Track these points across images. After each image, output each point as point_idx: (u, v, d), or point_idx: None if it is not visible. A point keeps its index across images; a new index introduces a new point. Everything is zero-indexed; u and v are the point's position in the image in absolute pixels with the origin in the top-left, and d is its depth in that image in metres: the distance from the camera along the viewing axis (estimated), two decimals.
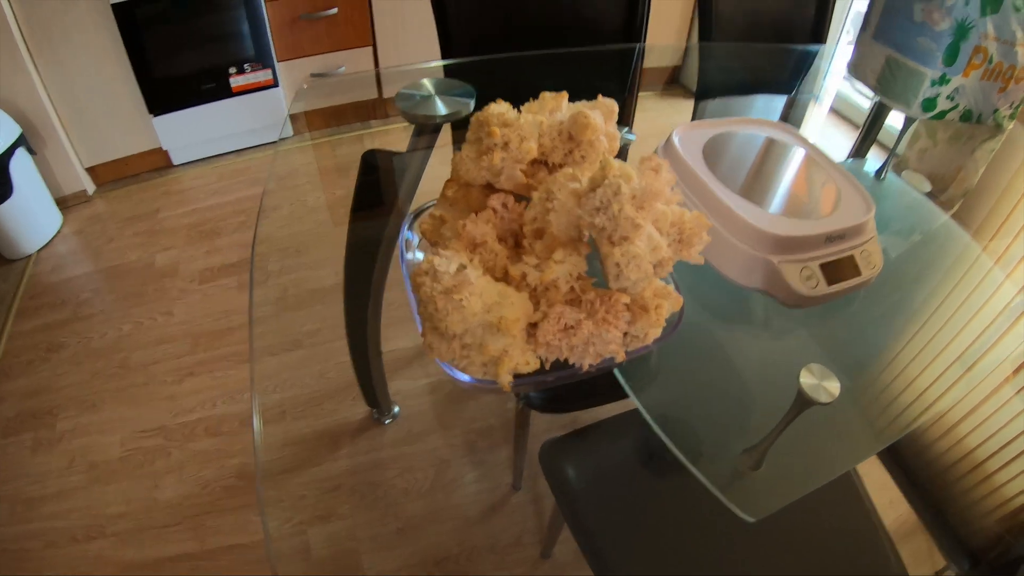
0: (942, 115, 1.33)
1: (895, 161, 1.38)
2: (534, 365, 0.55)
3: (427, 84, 1.08)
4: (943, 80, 1.25)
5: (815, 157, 0.93)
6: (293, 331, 1.73)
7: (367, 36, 2.18)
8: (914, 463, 0.91)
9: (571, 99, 0.69)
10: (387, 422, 1.48)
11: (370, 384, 1.44)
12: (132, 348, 1.69)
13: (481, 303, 0.52)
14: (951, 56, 1.20)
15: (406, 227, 0.73)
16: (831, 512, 0.87)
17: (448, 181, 0.67)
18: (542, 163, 0.64)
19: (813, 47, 1.64)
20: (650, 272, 0.54)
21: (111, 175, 2.17)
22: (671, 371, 0.79)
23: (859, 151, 1.46)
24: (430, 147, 1.11)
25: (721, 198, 0.78)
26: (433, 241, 0.67)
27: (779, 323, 0.89)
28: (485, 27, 1.29)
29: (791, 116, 1.50)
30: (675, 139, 0.86)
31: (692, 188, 0.82)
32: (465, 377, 0.55)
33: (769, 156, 0.92)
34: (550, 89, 0.67)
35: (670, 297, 0.60)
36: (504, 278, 0.58)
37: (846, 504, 0.88)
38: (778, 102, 1.54)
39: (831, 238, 0.80)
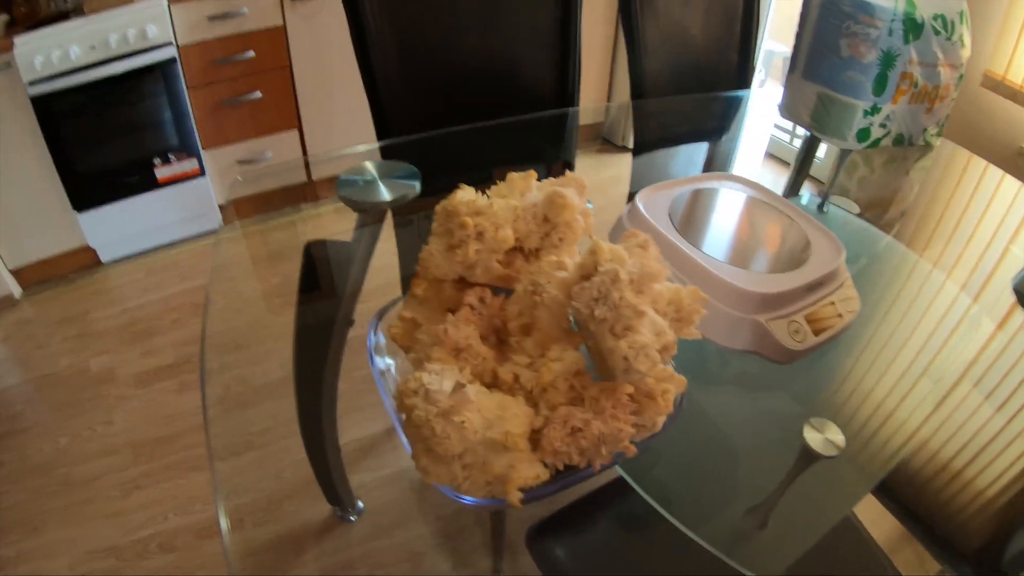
0: (877, 143, 1.36)
1: (833, 191, 1.40)
2: (544, 477, 0.49)
3: (369, 168, 1.04)
4: (875, 110, 1.28)
5: (777, 206, 0.92)
6: (242, 432, 1.63)
7: (293, 119, 2.13)
8: (895, 479, 0.89)
9: (513, 167, 0.65)
10: (352, 519, 1.39)
11: (330, 481, 1.36)
12: (73, 462, 1.57)
13: (481, 419, 0.46)
14: (880, 86, 1.23)
15: (373, 330, 0.67)
16: (834, 554, 0.83)
17: (415, 279, 0.62)
18: (518, 250, 0.60)
19: (741, 92, 1.68)
20: (658, 360, 0.50)
21: (37, 276, 2.04)
22: (661, 440, 0.75)
23: (793, 187, 1.49)
24: (375, 235, 1.06)
25: (699, 262, 0.75)
26: (405, 346, 0.61)
27: (759, 379, 0.86)
28: (420, 105, 1.27)
29: (726, 161, 1.52)
30: (640, 205, 0.83)
31: (666, 254, 0.78)
32: (468, 499, 0.50)
33: (734, 211, 0.91)
34: (490, 161, 0.63)
35: (674, 380, 0.56)
36: (494, 382, 0.53)
37: (847, 544, 0.85)
38: (712, 148, 1.56)
39: (811, 288, 0.78)
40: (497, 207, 0.56)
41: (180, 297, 1.96)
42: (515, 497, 0.48)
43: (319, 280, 1.11)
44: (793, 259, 0.82)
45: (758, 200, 0.92)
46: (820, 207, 1.34)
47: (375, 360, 0.64)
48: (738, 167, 1.51)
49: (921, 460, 0.87)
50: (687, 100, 1.59)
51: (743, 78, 1.72)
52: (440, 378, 0.46)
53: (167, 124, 1.86)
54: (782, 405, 0.83)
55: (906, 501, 0.87)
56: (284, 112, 2.11)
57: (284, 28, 1.94)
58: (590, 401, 0.52)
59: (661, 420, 0.55)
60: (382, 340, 0.68)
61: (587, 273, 0.51)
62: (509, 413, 0.48)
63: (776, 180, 1.50)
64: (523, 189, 0.61)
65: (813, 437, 0.70)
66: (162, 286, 1.99)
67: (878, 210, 1.42)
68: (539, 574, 0.84)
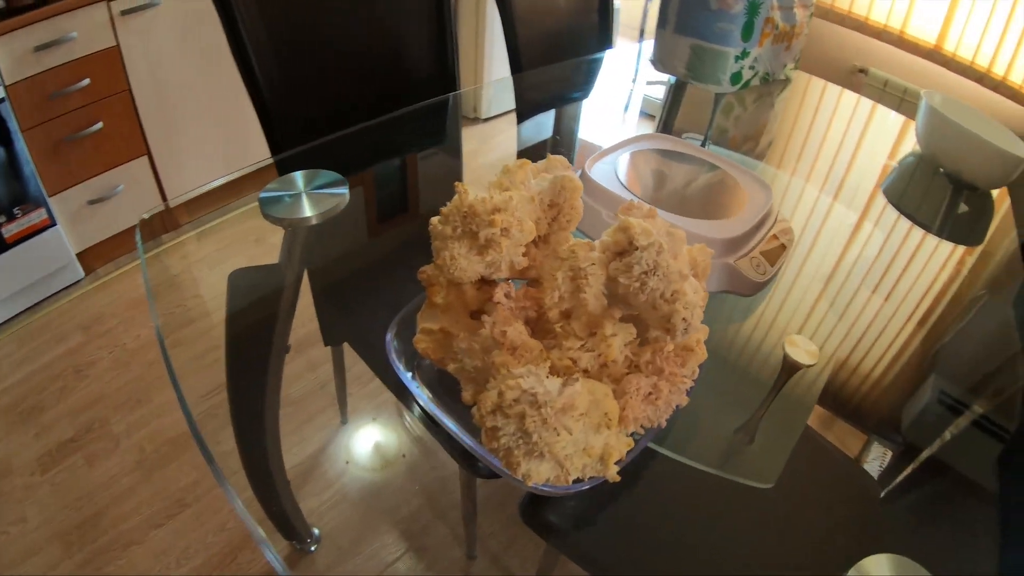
0: (747, 84, 1.48)
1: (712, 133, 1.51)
2: (631, 444, 0.52)
3: (293, 180, 1.00)
4: (744, 54, 1.38)
5: (704, 157, 0.98)
6: (171, 492, 1.53)
7: (140, 146, 1.96)
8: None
9: (404, 153, 0.66)
10: (313, 548, 1.34)
11: (284, 516, 1.31)
12: None
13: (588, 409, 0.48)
14: (748, 32, 1.34)
15: (392, 354, 0.66)
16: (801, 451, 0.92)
17: (431, 288, 0.61)
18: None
19: (602, 54, 1.75)
20: (701, 315, 0.54)
21: None
22: None
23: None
24: (304, 252, 1.02)
25: (667, 219, 0.79)
26: (440, 359, 0.61)
27: (732, 312, 0.92)
28: (305, 102, 1.22)
29: (591, 118, 1.58)
30: (591, 174, 0.86)
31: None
32: (571, 488, 0.51)
33: (671, 169, 0.96)
34: (381, 156, 0.63)
35: (701, 329, 0.60)
36: (551, 371, 0.55)
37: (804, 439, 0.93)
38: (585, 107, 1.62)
39: (759, 226, 0.85)
40: (516, 200, 0.57)
41: (60, 362, 1.77)
42: (613, 471, 0.50)
43: (250, 312, 1.05)
44: (736, 203, 0.88)
45: (686, 155, 0.98)
46: (702, 145, 1.43)
47: (415, 386, 0.63)
48: (613, 123, 1.58)
49: (841, 353, 0.98)
50: (561, 67, 1.63)
51: (604, 39, 1.79)
52: (538, 380, 0.47)
53: (4, 176, 1.65)
54: (756, 329, 0.89)
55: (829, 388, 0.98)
56: (130, 140, 1.93)
57: (118, 48, 1.77)
58: (645, 365, 0.55)
59: (697, 368, 0.59)
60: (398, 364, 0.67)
61: (621, 250, 0.54)
62: (600, 394, 0.50)
63: (645, 128, 1.59)
64: (522, 178, 0.62)
65: (794, 350, 0.77)
66: (38, 355, 1.78)
67: (752, 143, 1.55)
68: (507, 555, 0.87)
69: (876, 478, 0.82)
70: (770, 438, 0.77)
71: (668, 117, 1.61)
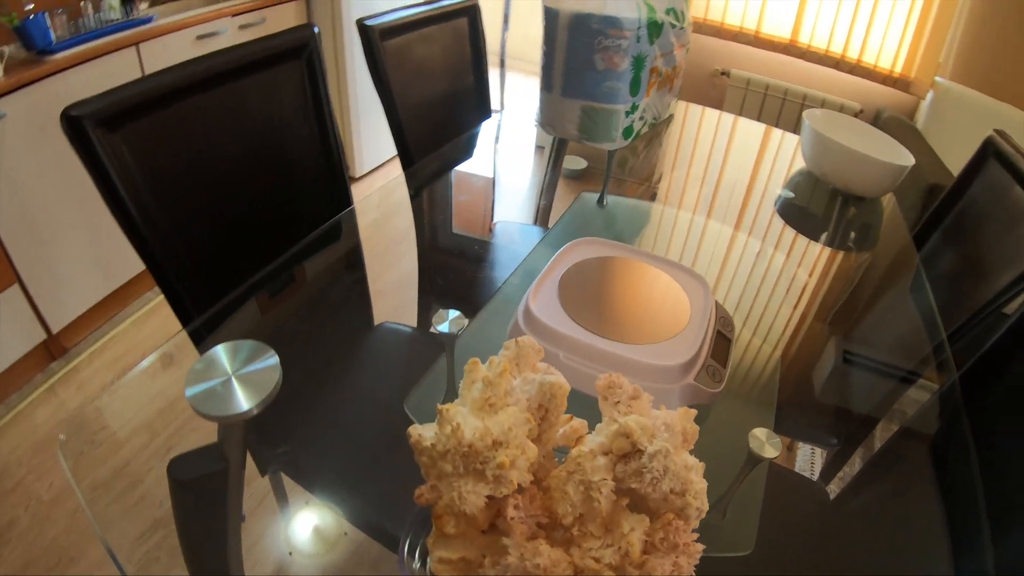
0: (639, 134, 1.50)
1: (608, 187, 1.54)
2: None
3: (218, 362, 0.90)
4: (634, 108, 1.41)
5: (636, 258, 1.00)
6: None
7: (9, 274, 1.79)
8: None
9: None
10: None
11: None
12: None
13: None
14: (635, 87, 1.36)
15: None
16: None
17: (438, 518, 0.60)
18: None
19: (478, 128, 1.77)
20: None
21: None
22: None
23: (551, 186, 1.60)
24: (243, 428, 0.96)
25: (621, 354, 0.81)
26: None
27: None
28: (189, 227, 1.09)
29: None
30: (533, 309, 0.86)
31: (581, 353, 0.83)
32: None
33: (608, 282, 0.97)
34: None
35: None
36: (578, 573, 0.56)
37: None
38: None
39: (706, 329, 0.88)
40: (513, 425, 0.56)
41: None
42: None
43: (197, 503, 0.98)
44: (680, 309, 0.91)
45: (619, 260, 1.00)
46: (600, 202, 1.46)
47: None
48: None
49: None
50: (451, 148, 1.62)
51: (483, 111, 1.80)
52: None
53: None
54: (717, 427, 0.92)
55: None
56: None
57: None
58: (659, 543, 0.56)
59: None
60: None
61: (623, 452, 0.55)
62: None
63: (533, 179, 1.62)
64: (506, 387, 0.61)
65: (757, 444, 0.80)
66: None
67: (647, 184, 1.59)
68: None
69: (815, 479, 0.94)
70: (738, 508, 0.82)
71: (557, 159, 1.63)
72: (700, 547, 0.58)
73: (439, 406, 0.59)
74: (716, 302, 0.95)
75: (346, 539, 0.77)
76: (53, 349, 2.00)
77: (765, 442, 0.82)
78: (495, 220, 1.44)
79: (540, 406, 0.61)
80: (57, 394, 1.91)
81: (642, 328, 0.87)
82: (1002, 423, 1.01)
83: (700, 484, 0.55)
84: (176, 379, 0.93)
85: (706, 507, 0.56)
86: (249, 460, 0.91)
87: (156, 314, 2.23)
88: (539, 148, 1.76)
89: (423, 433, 0.59)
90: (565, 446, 0.64)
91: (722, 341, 0.91)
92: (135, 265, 2.17)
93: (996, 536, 0.82)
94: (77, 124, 0.84)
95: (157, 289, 2.31)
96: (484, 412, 0.60)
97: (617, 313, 0.91)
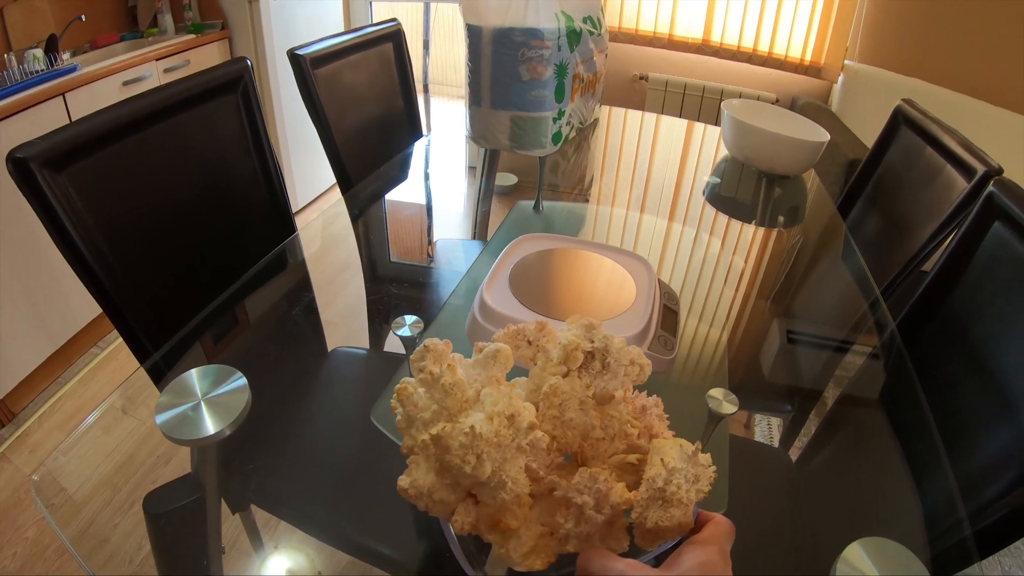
0: (567, 139, 1.57)
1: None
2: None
3: (186, 387, 0.91)
4: (560, 114, 1.47)
5: (581, 248, 1.05)
6: None
7: None
8: None
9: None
10: None
11: None
12: None
13: None
14: (560, 94, 1.42)
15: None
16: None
17: (496, 524, 0.57)
18: None
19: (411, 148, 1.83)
20: None
21: None
22: None
23: (487, 196, 1.65)
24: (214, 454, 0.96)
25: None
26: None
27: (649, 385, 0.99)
28: (143, 270, 1.09)
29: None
30: (489, 301, 0.89)
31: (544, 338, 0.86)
32: None
33: (558, 271, 1.01)
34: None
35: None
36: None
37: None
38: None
39: (651, 303, 0.93)
40: (508, 395, 0.58)
41: None
42: None
43: (175, 536, 0.97)
44: (626, 287, 0.96)
45: (564, 250, 1.04)
46: (536, 208, 1.51)
47: None
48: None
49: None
50: (387, 168, 1.65)
51: (415, 132, 1.84)
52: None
53: None
54: (677, 391, 0.97)
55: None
56: None
57: None
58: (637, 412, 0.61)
59: None
60: None
61: (579, 363, 0.60)
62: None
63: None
64: (502, 378, 0.63)
65: (716, 403, 0.84)
66: None
67: (580, 186, 1.65)
68: None
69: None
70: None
71: (490, 169, 1.67)
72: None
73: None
74: (659, 279, 1.01)
75: None
76: (1, 415, 1.94)
77: (722, 400, 0.87)
78: (434, 239, 1.48)
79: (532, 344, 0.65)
80: (10, 460, 1.85)
81: (593, 307, 0.92)
82: (942, 357, 1.09)
83: (635, 350, 0.61)
84: (130, 430, 0.92)
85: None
86: None
87: (103, 369, 2.18)
88: (471, 169, 1.81)
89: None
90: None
91: (669, 313, 0.96)
92: (76, 322, 2.13)
93: (951, 453, 0.88)
94: (23, 166, 0.84)
95: (101, 344, 2.27)
96: (463, 411, 0.60)
97: (568, 297, 0.96)
